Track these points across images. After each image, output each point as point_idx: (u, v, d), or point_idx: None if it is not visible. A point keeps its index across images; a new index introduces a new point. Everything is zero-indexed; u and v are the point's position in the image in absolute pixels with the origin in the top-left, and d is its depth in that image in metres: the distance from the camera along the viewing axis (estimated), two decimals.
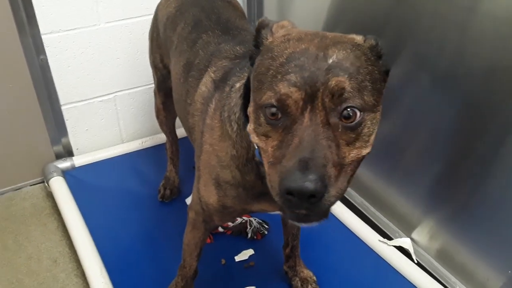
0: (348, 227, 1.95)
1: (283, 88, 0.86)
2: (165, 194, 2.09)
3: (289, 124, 0.87)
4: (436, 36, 1.58)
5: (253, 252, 1.84)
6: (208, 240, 1.86)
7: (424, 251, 1.83)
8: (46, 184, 2.20)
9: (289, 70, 0.87)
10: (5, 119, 2.12)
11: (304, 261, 1.73)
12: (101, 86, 2.29)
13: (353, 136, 0.88)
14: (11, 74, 2.06)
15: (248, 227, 1.90)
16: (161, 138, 2.31)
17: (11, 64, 2.04)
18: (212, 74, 1.32)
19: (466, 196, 1.64)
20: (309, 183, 0.79)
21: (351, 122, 0.87)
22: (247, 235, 1.89)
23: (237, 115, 1.11)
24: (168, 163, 2.11)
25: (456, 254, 1.71)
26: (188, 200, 1.96)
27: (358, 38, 0.95)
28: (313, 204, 0.82)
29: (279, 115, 0.87)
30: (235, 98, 1.13)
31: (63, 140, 2.32)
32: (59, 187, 2.12)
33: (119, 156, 2.38)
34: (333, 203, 0.85)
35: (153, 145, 2.45)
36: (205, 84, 1.32)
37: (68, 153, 2.35)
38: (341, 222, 1.97)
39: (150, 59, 1.88)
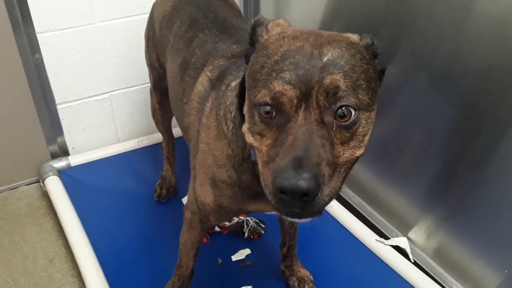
0: (345, 226, 1.95)
1: (277, 86, 0.85)
2: (161, 194, 2.08)
3: (283, 123, 0.86)
4: (432, 35, 1.58)
5: (250, 252, 1.84)
6: (205, 240, 1.86)
7: (421, 250, 1.84)
8: (42, 184, 2.19)
9: (284, 68, 0.86)
10: (0, 118, 2.11)
11: (301, 260, 1.73)
12: (96, 85, 2.28)
13: (348, 135, 0.87)
14: (6, 73, 2.05)
15: (245, 226, 1.89)
16: (157, 137, 2.31)
17: (6, 63, 2.04)
18: (209, 73, 1.32)
19: (462, 196, 1.64)
20: (302, 181, 0.78)
21: (346, 121, 0.86)
22: (243, 234, 1.89)
23: (233, 114, 1.10)
24: (164, 163, 2.11)
25: (452, 253, 1.71)
26: (185, 200, 1.96)
27: (354, 37, 0.95)
28: (306, 203, 0.81)
29: (274, 114, 0.87)
30: (231, 97, 1.12)
31: (59, 139, 2.31)
32: (55, 187, 2.11)
33: (115, 155, 2.37)
34: (327, 202, 0.85)
35: (149, 144, 2.44)
36: (202, 83, 1.32)
37: (64, 152, 2.34)
38: (338, 222, 1.97)
39: (146, 58, 1.87)
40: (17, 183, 2.27)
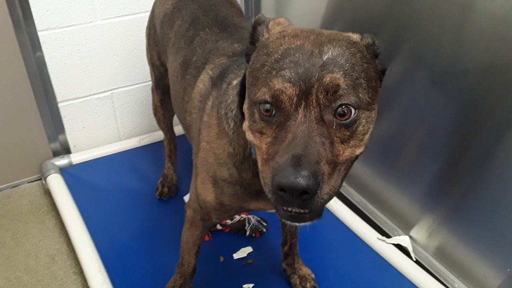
0: (347, 225, 1.95)
1: (277, 83, 0.85)
2: (163, 192, 2.09)
3: (283, 121, 0.86)
4: (434, 34, 1.57)
5: (252, 250, 1.84)
6: (207, 238, 1.86)
7: (422, 249, 1.83)
8: (44, 182, 2.19)
9: (284, 66, 0.86)
10: (2, 116, 2.12)
11: (303, 258, 1.73)
12: (98, 83, 2.28)
13: (348, 133, 0.87)
14: (7, 71, 2.05)
15: (247, 224, 1.89)
16: (159, 135, 2.31)
17: (7, 61, 2.04)
18: (210, 72, 1.32)
19: (464, 194, 1.64)
20: (301, 179, 0.78)
21: (346, 120, 0.86)
22: (245, 232, 1.89)
23: (233, 112, 1.10)
24: (166, 161, 2.11)
25: (454, 252, 1.71)
26: (186, 198, 1.97)
27: (355, 36, 0.95)
28: (305, 201, 0.81)
29: (273, 112, 0.87)
30: (232, 95, 1.12)
31: (60, 137, 2.31)
32: (57, 185, 2.12)
33: (116, 153, 2.37)
34: (326, 200, 0.85)
35: (150, 142, 2.44)
36: (203, 82, 1.32)
37: (66, 150, 2.35)
38: (340, 220, 1.97)
39: (147, 56, 1.87)
40: (19, 181, 2.28)
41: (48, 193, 2.18)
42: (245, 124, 0.96)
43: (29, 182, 2.29)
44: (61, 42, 2.11)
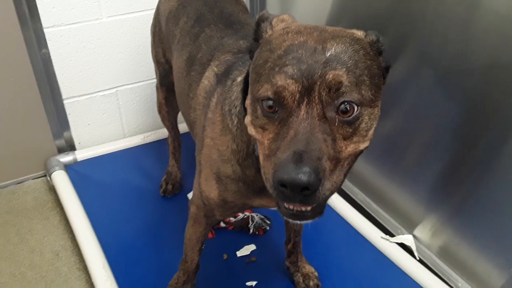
0: (350, 223, 1.95)
1: (280, 80, 0.85)
2: (167, 189, 2.09)
3: (285, 117, 0.86)
4: (439, 33, 1.57)
5: (255, 248, 1.84)
6: (210, 235, 1.87)
7: (426, 248, 1.83)
8: (49, 178, 2.20)
9: (287, 62, 0.86)
10: (7, 113, 2.12)
11: (306, 257, 1.73)
12: (103, 81, 2.29)
13: (350, 130, 0.87)
14: (13, 68, 2.06)
15: (250, 222, 1.89)
16: (163, 133, 2.31)
17: (13, 58, 2.04)
18: (215, 68, 1.32)
19: (468, 194, 1.63)
20: (303, 175, 0.78)
21: (348, 117, 0.86)
22: (249, 230, 1.89)
23: (237, 108, 1.11)
24: (170, 158, 2.11)
25: (458, 251, 1.71)
26: (190, 195, 1.97)
27: (359, 33, 0.95)
28: (306, 197, 0.81)
29: (276, 108, 0.87)
30: (236, 92, 1.13)
31: (65, 134, 2.32)
32: (61, 181, 2.12)
33: (121, 150, 2.38)
34: (327, 196, 0.85)
35: (155, 140, 2.45)
36: (208, 78, 1.32)
37: (70, 147, 2.35)
38: (343, 219, 1.97)
39: (152, 54, 1.88)
40: (24, 177, 2.28)
41: (52, 190, 2.19)
42: (247, 119, 0.96)
43: (34, 179, 2.30)
44: (66, 39, 2.12)
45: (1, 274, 1.81)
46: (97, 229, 1.86)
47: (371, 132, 0.91)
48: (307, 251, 1.73)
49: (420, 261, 1.80)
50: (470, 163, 1.59)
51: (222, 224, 1.91)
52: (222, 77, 1.25)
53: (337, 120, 0.86)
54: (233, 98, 1.13)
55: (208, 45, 1.43)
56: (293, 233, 1.65)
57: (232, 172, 1.16)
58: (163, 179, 2.12)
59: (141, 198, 2.09)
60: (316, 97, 0.84)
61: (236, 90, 1.13)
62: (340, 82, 0.84)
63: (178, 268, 1.59)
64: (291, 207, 0.88)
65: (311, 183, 0.79)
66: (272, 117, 0.88)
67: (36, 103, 2.17)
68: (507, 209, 1.50)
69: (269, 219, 1.93)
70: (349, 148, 0.88)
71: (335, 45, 0.87)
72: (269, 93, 0.86)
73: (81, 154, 2.31)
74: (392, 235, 1.89)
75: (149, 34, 1.89)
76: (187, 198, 2.06)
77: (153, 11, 1.85)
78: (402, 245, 1.85)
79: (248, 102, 0.97)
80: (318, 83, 0.84)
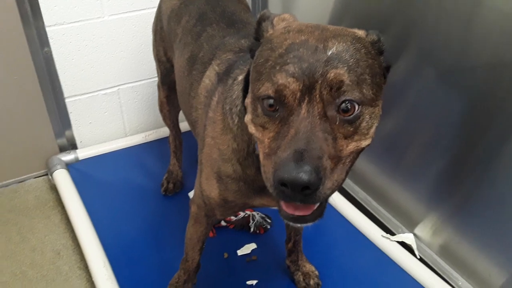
0: (351, 222, 1.95)
1: (281, 78, 0.85)
2: (168, 188, 2.09)
3: (286, 116, 0.86)
4: (441, 30, 1.57)
5: (256, 246, 1.84)
6: (211, 234, 1.87)
7: (427, 246, 1.83)
8: (50, 177, 2.20)
9: (288, 61, 0.86)
10: (9, 111, 2.12)
11: (307, 255, 1.73)
12: (104, 79, 2.29)
13: (351, 129, 0.87)
14: (15, 67, 2.06)
15: (251, 221, 1.90)
16: (165, 131, 2.31)
17: (16, 56, 2.05)
18: (216, 67, 1.32)
19: (469, 192, 1.63)
20: (303, 174, 0.78)
21: (349, 115, 0.86)
22: (249, 229, 1.89)
23: (238, 107, 1.11)
24: (171, 157, 2.11)
25: (458, 250, 1.71)
26: (191, 194, 1.97)
27: (360, 32, 0.95)
28: (307, 196, 0.81)
29: (277, 107, 0.87)
30: (237, 91, 1.12)
31: (67, 133, 2.32)
32: (63, 180, 2.12)
33: (122, 149, 2.38)
34: (328, 195, 0.85)
35: (156, 138, 2.45)
36: (209, 77, 1.32)
37: (72, 146, 2.36)
38: (344, 217, 1.97)
39: (153, 52, 1.87)
40: (26, 176, 2.29)
41: (54, 189, 2.19)
42: (248, 117, 0.96)
43: (35, 177, 2.30)
44: (68, 38, 2.12)
45: (2, 273, 1.82)
46: (98, 228, 1.86)
47: (372, 130, 0.91)
48: (307, 250, 1.74)
49: (421, 259, 1.79)
50: (471, 162, 1.59)
51: (223, 223, 1.91)
52: (223, 76, 1.25)
53: (338, 119, 0.85)
54: (234, 97, 1.13)
55: (209, 44, 1.43)
56: (294, 232, 1.65)
57: (233, 172, 1.16)
58: (164, 177, 2.12)
59: (142, 197, 2.09)
60: (317, 95, 0.84)
61: (237, 89, 1.13)
62: (342, 81, 0.84)
63: (178, 267, 1.59)
64: (291, 212, 0.88)
65: (312, 182, 0.79)
66: (272, 115, 0.88)
67: (38, 102, 2.17)
68: (508, 208, 1.50)
69: (270, 218, 1.93)
70: (350, 147, 0.88)
71: (336, 43, 0.87)
72: (270, 92, 0.86)
73: (82, 153, 2.31)
74: (392, 234, 1.89)
75: (151, 33, 1.89)
76: (188, 197, 2.06)
77: (155, 10, 1.85)
78: (403, 244, 1.85)
79: (248, 100, 0.97)
80: (319, 82, 0.84)
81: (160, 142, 2.41)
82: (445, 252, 1.77)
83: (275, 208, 1.25)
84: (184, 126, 2.06)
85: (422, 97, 1.71)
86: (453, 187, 1.68)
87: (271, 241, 1.87)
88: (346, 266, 1.78)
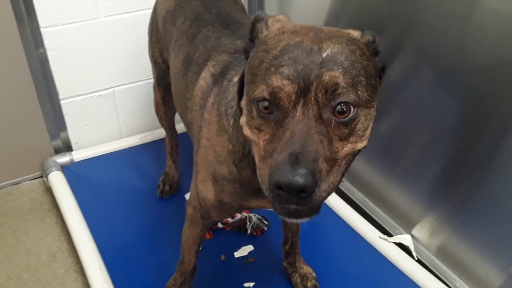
0: (348, 223, 1.95)
1: (276, 80, 0.85)
2: (164, 190, 2.08)
3: (281, 118, 0.86)
4: (438, 31, 1.56)
5: (253, 248, 1.84)
6: (208, 236, 1.86)
7: (424, 248, 1.83)
8: (45, 179, 2.19)
9: (283, 63, 0.86)
10: (4, 113, 2.11)
11: (304, 257, 1.72)
12: (100, 81, 2.28)
13: (347, 131, 0.87)
14: (10, 68, 2.05)
15: (248, 223, 1.89)
16: (161, 133, 2.30)
17: (10, 57, 2.03)
18: (212, 68, 1.31)
19: (466, 193, 1.63)
20: (299, 177, 0.78)
21: (345, 118, 0.86)
22: (246, 231, 1.89)
23: (233, 109, 1.10)
24: (168, 159, 2.11)
25: (456, 251, 1.70)
26: (187, 196, 1.96)
27: (355, 33, 0.94)
28: (303, 199, 0.81)
29: (272, 109, 0.87)
30: (232, 92, 1.12)
31: (62, 134, 2.31)
32: (58, 182, 2.11)
33: (118, 151, 2.37)
34: (324, 198, 0.84)
35: (152, 140, 2.44)
36: (204, 79, 1.31)
37: (67, 147, 2.34)
38: (341, 219, 1.97)
39: (149, 54, 1.87)
40: (21, 178, 2.27)
41: (49, 191, 2.18)
42: (243, 120, 0.95)
43: (30, 180, 2.29)
44: (64, 39, 2.11)
45: None
46: (94, 231, 1.85)
47: (367, 132, 0.91)
48: (305, 252, 1.73)
49: (418, 261, 1.79)
50: (469, 162, 1.59)
51: (219, 225, 1.90)
52: (219, 78, 1.24)
53: (333, 121, 0.85)
54: (229, 99, 1.13)
55: (205, 46, 1.42)
56: (291, 234, 1.64)
57: (228, 173, 1.16)
58: (160, 179, 2.12)
59: (138, 199, 2.08)
60: (312, 98, 0.84)
61: (232, 90, 1.12)
62: (337, 84, 0.83)
63: (175, 269, 1.59)
64: (287, 205, 0.87)
65: (308, 185, 0.79)
66: (267, 118, 0.87)
67: (32, 103, 2.16)
68: (505, 209, 1.50)
69: (267, 220, 1.92)
70: (346, 149, 0.88)
71: (331, 45, 0.87)
72: (265, 94, 0.86)
73: (78, 155, 2.30)
74: (390, 235, 1.89)
75: (147, 34, 1.88)
76: (184, 198, 2.05)
77: (151, 11, 1.85)
78: (400, 245, 1.84)
79: (243, 102, 0.96)
80: (315, 84, 0.83)
81: (156, 144, 2.40)
82: (442, 253, 1.76)
83: (271, 210, 1.25)
84: (180, 127, 2.05)
85: (419, 97, 1.70)
86: (451, 188, 1.68)
87: (268, 243, 1.86)
88: (344, 268, 1.77)
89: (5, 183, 2.24)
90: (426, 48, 1.62)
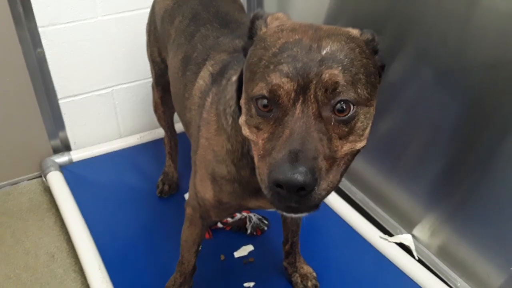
0: (349, 223, 1.94)
1: (275, 78, 0.84)
2: (163, 190, 2.07)
3: (281, 116, 0.85)
4: (438, 31, 1.56)
5: (253, 248, 1.83)
6: (207, 236, 1.85)
7: (425, 247, 1.82)
8: (44, 179, 2.18)
9: (282, 60, 0.85)
10: (2, 113, 2.11)
11: (304, 257, 1.72)
12: (98, 80, 2.27)
13: (346, 129, 0.87)
14: (8, 68, 2.05)
15: (248, 223, 1.88)
16: (159, 132, 2.29)
17: (8, 57, 2.03)
18: (210, 68, 1.31)
19: (467, 193, 1.63)
20: (299, 175, 0.77)
21: (344, 116, 0.85)
22: (246, 231, 1.88)
23: (232, 108, 1.09)
24: (167, 158, 2.10)
25: (457, 250, 1.70)
26: (187, 196, 1.95)
27: (354, 32, 0.94)
28: (302, 197, 0.80)
29: (271, 107, 0.86)
30: (231, 91, 1.11)
31: (61, 134, 2.30)
32: (57, 182, 2.11)
33: (117, 151, 2.36)
34: (324, 196, 0.84)
35: (151, 140, 2.43)
36: (203, 78, 1.31)
37: (66, 147, 2.34)
38: (342, 218, 1.96)
39: (147, 53, 1.86)
40: (19, 178, 2.27)
41: (48, 191, 2.17)
42: (242, 119, 0.95)
43: (29, 180, 2.28)
44: (62, 38, 2.10)
45: None
46: (93, 231, 1.84)
47: (367, 131, 0.90)
48: (305, 252, 1.72)
49: (419, 260, 1.79)
50: (469, 162, 1.59)
51: (219, 225, 1.89)
52: (217, 77, 1.24)
53: (333, 119, 0.85)
54: (227, 98, 1.12)
55: (203, 45, 1.42)
56: (291, 234, 1.63)
57: (227, 173, 1.15)
58: (159, 179, 2.11)
59: (137, 199, 2.07)
60: (312, 96, 0.83)
61: (231, 89, 1.12)
62: (337, 82, 0.83)
63: (174, 269, 1.58)
64: (286, 204, 0.86)
65: (307, 183, 0.78)
66: (266, 116, 0.87)
67: (31, 103, 2.15)
68: (506, 209, 1.50)
69: (267, 220, 1.92)
70: (345, 148, 0.87)
71: (330, 43, 0.86)
72: (264, 92, 0.85)
73: (76, 155, 2.29)
74: (391, 235, 1.88)
75: (145, 33, 1.87)
76: (184, 198, 2.05)
77: (149, 10, 1.84)
78: (401, 245, 1.84)
79: (242, 101, 0.96)
80: (314, 82, 0.83)
81: (155, 144, 2.40)
82: (443, 253, 1.76)
83: (271, 210, 1.24)
84: (179, 127, 2.04)
85: (419, 97, 1.70)
86: (451, 187, 1.67)
87: (268, 242, 1.86)
88: (344, 268, 1.77)
89: (3, 183, 2.24)
90: (426, 48, 1.62)
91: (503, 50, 1.38)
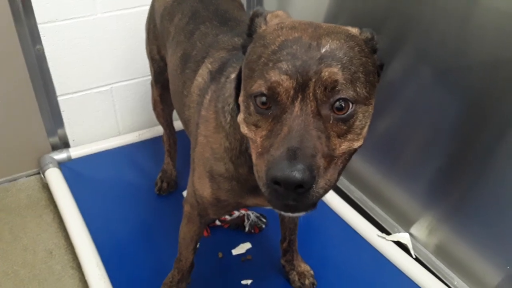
0: (347, 221, 1.94)
1: (274, 76, 0.84)
2: (162, 187, 2.08)
3: (279, 114, 0.85)
4: (438, 29, 1.56)
5: (251, 246, 1.83)
6: (205, 233, 1.86)
7: (422, 246, 1.82)
8: (42, 176, 2.18)
9: (281, 58, 0.85)
10: (1, 109, 2.10)
11: (302, 255, 1.72)
12: (97, 77, 2.27)
13: (345, 128, 0.87)
14: (7, 64, 2.04)
15: (246, 220, 1.88)
16: (158, 130, 2.29)
17: (7, 54, 2.02)
18: (209, 65, 1.31)
19: (465, 192, 1.63)
20: (297, 172, 0.77)
21: (343, 114, 0.85)
22: (244, 228, 1.88)
23: (231, 106, 1.10)
24: (165, 156, 2.10)
25: (454, 249, 1.70)
26: (185, 193, 1.95)
27: (354, 30, 0.94)
28: (300, 195, 0.80)
29: (269, 104, 0.86)
30: (230, 89, 1.11)
31: (59, 131, 2.30)
32: (55, 179, 2.11)
33: (115, 148, 2.36)
34: (321, 195, 0.84)
35: (150, 137, 2.43)
36: (202, 75, 1.31)
37: (64, 144, 2.33)
38: (340, 217, 1.96)
39: (146, 51, 1.86)
40: (17, 175, 2.27)
41: (46, 187, 2.17)
42: (240, 117, 0.95)
43: (27, 176, 2.28)
44: (61, 35, 2.09)
45: None
46: (91, 227, 1.84)
47: (365, 130, 0.90)
48: (302, 250, 1.73)
49: (417, 259, 1.79)
50: (468, 161, 1.59)
51: (217, 222, 1.90)
52: (216, 74, 1.24)
53: (331, 117, 0.85)
54: (226, 95, 1.12)
55: (202, 43, 1.42)
56: (289, 232, 1.64)
57: (225, 170, 1.15)
58: (158, 177, 2.11)
59: (135, 196, 2.07)
60: (311, 94, 0.83)
61: (230, 87, 1.12)
62: (336, 80, 0.83)
63: (172, 266, 1.58)
64: (284, 202, 0.86)
65: (305, 181, 0.78)
66: (265, 113, 0.87)
67: (30, 100, 2.15)
68: (504, 208, 1.50)
69: (265, 217, 1.92)
70: (343, 146, 0.87)
71: (330, 41, 0.86)
72: (263, 89, 0.85)
73: (75, 152, 2.29)
74: (388, 233, 1.88)
75: (144, 31, 1.87)
76: (182, 196, 2.05)
77: (148, 7, 1.84)
78: (399, 243, 1.84)
79: (241, 99, 0.96)
80: (313, 80, 0.83)
81: (154, 141, 2.39)
82: (440, 251, 1.76)
83: (269, 208, 1.24)
84: (178, 124, 2.04)
85: (418, 96, 1.70)
86: (449, 186, 1.67)
87: (266, 240, 1.86)
88: (342, 266, 1.77)
89: (2, 179, 2.23)
90: (425, 47, 1.62)
91: (503, 49, 1.38)
